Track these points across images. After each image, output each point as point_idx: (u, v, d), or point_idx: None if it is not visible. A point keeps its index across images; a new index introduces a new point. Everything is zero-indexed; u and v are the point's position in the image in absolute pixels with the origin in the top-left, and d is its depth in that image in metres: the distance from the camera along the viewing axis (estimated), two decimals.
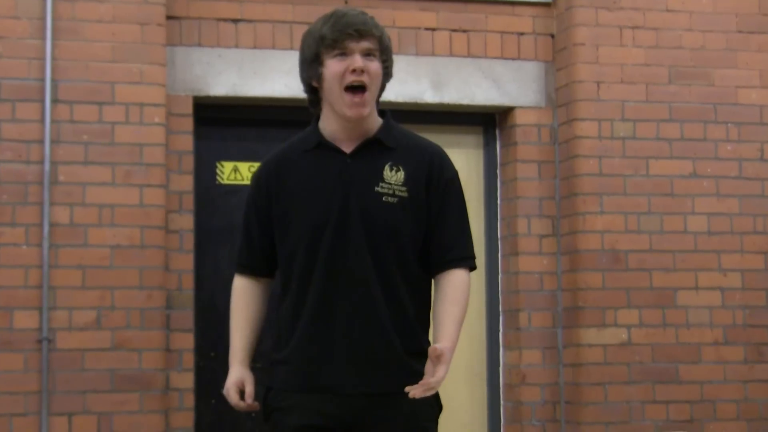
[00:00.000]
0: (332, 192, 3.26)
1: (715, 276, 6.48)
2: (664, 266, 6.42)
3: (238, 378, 3.36)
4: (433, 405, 3.39)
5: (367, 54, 3.26)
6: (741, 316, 6.49)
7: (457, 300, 3.28)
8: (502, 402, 6.58)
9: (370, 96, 3.27)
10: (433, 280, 3.36)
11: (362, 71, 3.24)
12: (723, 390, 6.42)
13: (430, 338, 3.35)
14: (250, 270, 3.45)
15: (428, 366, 3.13)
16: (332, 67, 3.25)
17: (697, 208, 6.49)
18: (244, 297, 3.43)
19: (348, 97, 3.25)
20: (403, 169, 3.30)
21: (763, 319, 6.52)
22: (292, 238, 3.30)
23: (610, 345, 6.31)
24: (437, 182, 3.32)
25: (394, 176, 3.28)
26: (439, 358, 3.10)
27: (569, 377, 6.39)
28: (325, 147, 3.34)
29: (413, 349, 3.32)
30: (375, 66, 3.27)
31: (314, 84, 3.34)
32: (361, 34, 3.24)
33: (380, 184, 3.27)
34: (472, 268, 3.36)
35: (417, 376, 3.24)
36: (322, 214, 3.26)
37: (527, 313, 6.44)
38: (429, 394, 3.12)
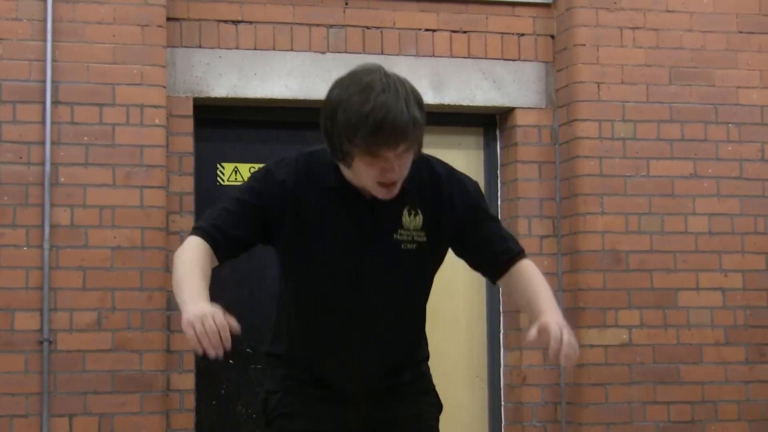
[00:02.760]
0: (351, 237, 3.12)
1: (716, 276, 6.48)
2: (665, 267, 6.41)
3: (214, 309, 2.94)
4: (436, 404, 3.40)
5: (402, 152, 2.98)
6: (742, 316, 6.49)
7: (541, 281, 3.23)
8: (503, 403, 6.57)
9: (400, 183, 3.06)
10: (499, 280, 3.31)
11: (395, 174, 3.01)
12: (724, 391, 6.42)
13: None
14: (216, 246, 3.13)
15: (552, 337, 2.99)
16: (362, 168, 2.99)
17: (698, 209, 6.49)
18: (203, 258, 3.09)
19: (379, 190, 3.03)
20: (422, 212, 3.16)
21: (764, 319, 6.51)
22: (308, 272, 3.16)
23: (611, 346, 6.31)
24: (465, 209, 3.20)
25: (412, 221, 3.16)
26: (546, 329, 3.00)
27: (570, 378, 6.39)
28: (346, 190, 3.12)
29: (417, 359, 3.36)
30: (407, 161, 3.01)
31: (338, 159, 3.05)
32: (399, 142, 2.94)
33: (399, 231, 3.15)
34: (525, 255, 3.32)
35: (423, 376, 3.32)
36: (340, 259, 3.13)
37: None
38: (573, 357, 3.00)
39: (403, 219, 3.14)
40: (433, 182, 3.18)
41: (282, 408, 3.24)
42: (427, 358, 3.40)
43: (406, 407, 3.28)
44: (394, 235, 3.14)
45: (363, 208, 3.11)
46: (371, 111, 2.89)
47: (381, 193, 3.03)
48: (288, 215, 3.12)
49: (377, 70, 2.97)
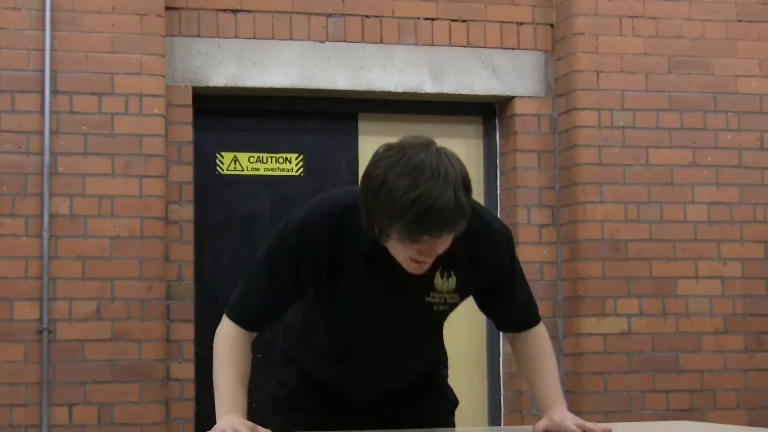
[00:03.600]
0: (382, 300, 3.01)
1: (715, 265, 6.48)
2: (664, 255, 6.42)
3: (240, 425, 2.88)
4: (450, 400, 3.42)
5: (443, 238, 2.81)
6: (741, 305, 6.49)
7: (548, 354, 3.22)
8: (502, 392, 6.58)
9: (432, 260, 2.87)
10: (506, 334, 3.29)
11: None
12: (723, 379, 6.43)
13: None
14: (255, 327, 3.05)
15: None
16: (397, 248, 2.82)
17: (697, 198, 6.49)
18: (239, 348, 3.04)
19: (411, 265, 2.85)
20: (455, 275, 3.01)
21: (763, 308, 6.52)
22: (336, 325, 3.09)
23: (610, 334, 6.32)
24: (500, 268, 3.09)
25: (445, 284, 3.01)
26: (565, 428, 3.06)
27: (569, 367, 6.40)
28: (378, 253, 2.91)
29: (434, 366, 3.38)
30: (446, 245, 2.82)
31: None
32: (443, 232, 2.75)
33: (431, 293, 3.02)
34: (540, 320, 3.28)
35: (436, 373, 3.35)
36: (370, 320, 3.04)
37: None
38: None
39: (436, 282, 3.01)
40: (467, 244, 2.96)
41: (293, 401, 3.23)
42: (444, 361, 3.42)
43: (419, 404, 3.29)
44: (426, 299, 3.02)
45: (395, 272, 2.93)
46: (418, 198, 2.67)
47: (412, 269, 2.86)
48: (319, 275, 2.98)
49: (428, 148, 2.75)
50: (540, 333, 3.22)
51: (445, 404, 3.39)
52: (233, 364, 3.02)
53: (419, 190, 2.67)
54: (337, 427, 3.19)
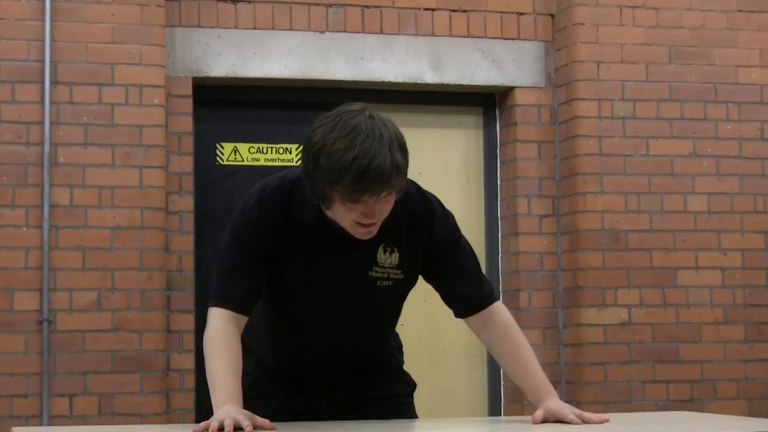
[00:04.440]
0: (327, 273, 3.08)
1: (716, 255, 6.48)
2: (665, 246, 6.42)
3: (235, 414, 2.90)
4: (408, 382, 3.43)
5: (383, 198, 2.91)
6: (741, 295, 6.49)
7: (524, 344, 3.24)
8: (502, 382, 6.59)
9: (379, 224, 2.97)
10: (465, 319, 3.30)
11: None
12: (723, 369, 6.43)
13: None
14: (241, 308, 3.10)
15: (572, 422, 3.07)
16: (342, 211, 2.93)
17: (697, 188, 6.49)
18: (229, 339, 3.09)
19: (357, 229, 2.96)
20: (398, 250, 3.10)
21: (763, 298, 6.52)
22: (283, 302, 3.16)
23: (610, 325, 6.32)
24: (436, 245, 3.15)
25: (388, 258, 3.11)
26: (563, 417, 3.07)
27: (569, 357, 6.40)
28: (324, 226, 3.04)
29: (387, 353, 3.39)
30: (389, 206, 2.94)
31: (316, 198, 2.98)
32: (382, 189, 2.87)
33: (374, 268, 3.11)
34: (497, 298, 3.29)
35: (392, 357, 3.36)
36: (315, 294, 3.11)
37: (527, 293, 6.45)
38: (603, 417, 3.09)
39: (378, 256, 3.10)
40: (409, 219, 3.11)
41: (255, 389, 3.25)
42: (398, 347, 3.43)
43: (376, 388, 3.31)
44: (370, 272, 3.10)
45: (339, 245, 3.05)
46: (355, 158, 2.81)
47: (359, 234, 2.97)
48: (275, 248, 3.08)
49: (362, 113, 2.89)
50: (502, 315, 3.24)
51: (403, 386, 3.40)
52: (224, 354, 3.07)
53: (356, 151, 2.81)
54: (299, 410, 3.23)
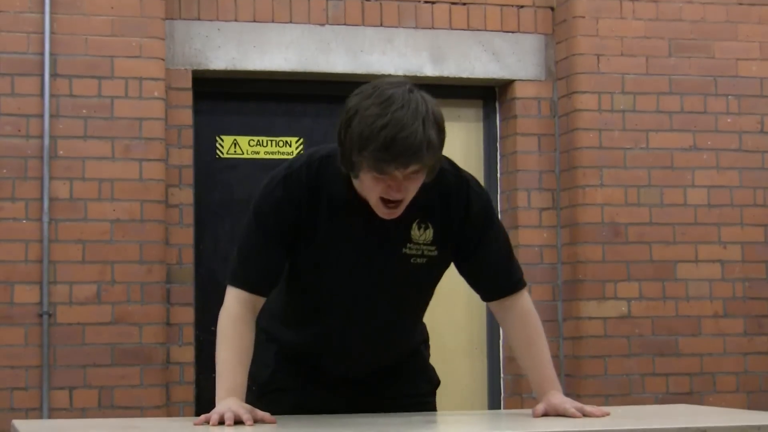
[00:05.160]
0: (360, 251, 3.03)
1: (715, 249, 6.48)
2: (664, 239, 6.42)
3: (235, 408, 2.90)
4: (431, 380, 3.40)
5: (411, 173, 2.86)
6: (741, 288, 6.50)
7: (539, 335, 3.21)
8: (502, 375, 6.59)
9: (405, 204, 2.93)
10: (490, 303, 3.28)
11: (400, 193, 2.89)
12: (723, 362, 6.44)
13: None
14: (259, 290, 3.07)
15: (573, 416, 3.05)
16: (368, 182, 2.88)
17: (697, 181, 6.49)
18: (242, 326, 3.04)
19: (381, 207, 2.91)
20: (432, 226, 3.05)
21: (762, 291, 6.52)
22: (314, 282, 3.10)
23: (609, 318, 6.32)
24: (469, 223, 3.10)
25: (422, 235, 3.05)
26: (564, 411, 3.06)
27: (569, 350, 6.40)
28: (356, 203, 2.98)
29: (414, 346, 3.36)
30: (416, 184, 2.89)
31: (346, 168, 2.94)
32: (410, 162, 2.81)
33: (408, 245, 3.03)
34: (525, 285, 3.26)
35: (418, 354, 3.33)
36: (348, 272, 3.05)
37: (527, 286, 6.44)
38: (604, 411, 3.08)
39: (413, 233, 3.04)
40: (443, 195, 3.05)
41: (273, 383, 3.23)
42: (425, 340, 3.40)
43: (400, 386, 3.29)
44: (403, 249, 3.05)
45: (372, 222, 2.98)
46: (385, 126, 2.77)
47: (383, 212, 2.92)
48: (301, 228, 3.02)
49: (402, 85, 2.86)
50: (524, 302, 3.22)
51: (426, 385, 3.38)
52: (234, 343, 3.03)
53: (387, 119, 2.78)
54: (317, 407, 3.19)
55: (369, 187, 2.88)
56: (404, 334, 3.26)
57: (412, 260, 3.06)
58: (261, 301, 3.07)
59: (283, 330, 3.25)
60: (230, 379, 2.98)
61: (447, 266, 3.18)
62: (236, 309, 3.04)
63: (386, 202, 2.90)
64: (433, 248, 3.07)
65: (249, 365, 3.03)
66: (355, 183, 2.96)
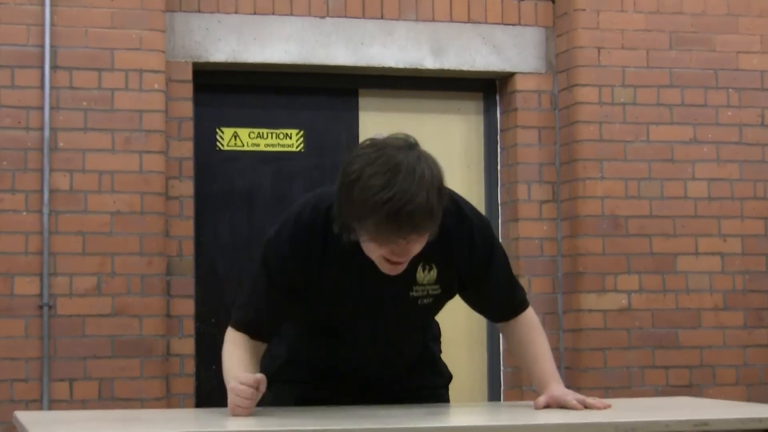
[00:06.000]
0: (366, 298, 3.03)
1: (715, 241, 6.49)
2: (664, 232, 6.42)
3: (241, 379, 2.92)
4: (443, 374, 3.43)
5: (414, 239, 2.81)
6: (741, 281, 6.50)
7: (539, 333, 3.22)
8: (502, 367, 6.60)
9: (407, 262, 2.89)
10: (497, 324, 3.32)
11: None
12: (722, 355, 6.44)
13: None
14: (260, 336, 3.09)
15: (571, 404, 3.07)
16: (369, 246, 2.84)
17: (698, 174, 6.49)
18: (244, 346, 3.06)
19: (385, 265, 2.88)
20: (435, 267, 3.03)
21: (762, 284, 6.52)
22: (322, 324, 3.12)
23: (609, 310, 6.33)
24: (474, 261, 3.08)
25: (426, 276, 3.02)
26: (566, 402, 3.08)
27: (569, 343, 6.41)
28: (361, 252, 2.91)
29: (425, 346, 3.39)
30: (419, 246, 2.84)
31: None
32: (413, 233, 2.76)
33: (414, 288, 3.03)
34: (528, 304, 3.27)
35: (428, 350, 3.35)
36: (355, 318, 3.06)
37: (527, 278, 6.45)
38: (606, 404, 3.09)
39: (417, 275, 3.03)
40: (445, 235, 2.96)
41: (283, 374, 3.24)
42: (436, 337, 3.43)
43: (410, 380, 3.31)
44: (410, 293, 3.04)
45: (377, 269, 2.93)
46: (390, 199, 2.68)
47: (387, 269, 2.88)
48: (309, 277, 3.01)
49: (409, 149, 2.76)
50: (528, 317, 3.24)
51: (438, 378, 3.40)
52: (238, 348, 3.05)
53: (392, 192, 2.68)
54: (327, 399, 3.21)
55: (370, 249, 2.85)
56: (411, 350, 3.29)
57: (419, 302, 3.08)
58: (262, 346, 3.11)
59: (294, 341, 3.27)
60: (240, 367, 2.99)
61: (450, 299, 3.19)
62: (239, 339, 3.08)
63: (388, 260, 2.87)
64: (437, 287, 3.08)
65: (270, 357, 3.09)
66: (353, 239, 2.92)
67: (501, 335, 6.51)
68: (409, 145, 2.77)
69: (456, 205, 3.05)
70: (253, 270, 3.09)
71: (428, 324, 3.29)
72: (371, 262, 2.92)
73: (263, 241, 3.07)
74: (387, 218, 2.70)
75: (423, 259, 2.98)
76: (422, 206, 2.70)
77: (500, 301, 3.21)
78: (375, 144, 2.79)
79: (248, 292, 3.10)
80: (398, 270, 2.89)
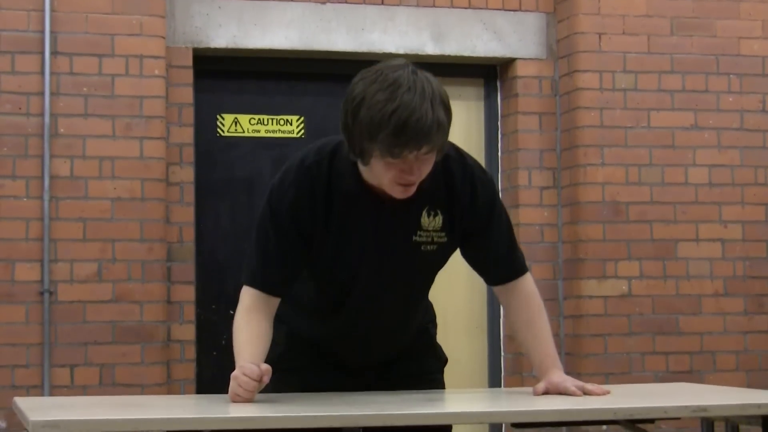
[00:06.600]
0: (370, 241, 3.05)
1: (716, 227, 6.48)
2: (665, 218, 6.42)
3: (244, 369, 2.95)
4: (440, 358, 3.43)
5: (423, 154, 2.86)
6: (741, 267, 6.50)
7: (540, 315, 3.23)
8: (502, 353, 6.60)
9: (418, 184, 2.94)
10: (494, 287, 3.32)
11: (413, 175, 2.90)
12: (723, 341, 6.45)
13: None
14: (274, 291, 3.09)
15: (571, 390, 3.08)
16: (381, 168, 2.88)
17: (698, 160, 6.49)
18: (255, 315, 3.06)
19: (396, 188, 2.92)
20: (441, 213, 3.07)
21: (763, 270, 6.53)
22: (325, 272, 3.12)
23: (610, 297, 6.33)
24: (476, 212, 3.11)
25: (432, 222, 3.07)
26: (565, 389, 3.08)
27: (569, 329, 6.41)
28: (365, 193, 3.01)
29: (421, 328, 3.39)
30: (428, 165, 2.90)
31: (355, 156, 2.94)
32: (422, 144, 2.82)
33: (418, 232, 3.06)
34: (527, 270, 3.29)
35: (425, 333, 3.36)
36: (359, 262, 3.07)
37: (528, 265, 6.44)
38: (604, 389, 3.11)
39: (422, 220, 3.06)
40: (449, 183, 3.06)
41: (284, 362, 3.24)
42: (432, 320, 3.43)
43: (408, 364, 3.31)
44: (414, 237, 3.07)
45: (382, 211, 3.01)
46: (395, 110, 2.77)
47: (397, 192, 2.92)
48: (315, 223, 3.04)
49: (404, 67, 2.86)
50: (527, 285, 3.25)
51: (435, 362, 3.41)
52: (251, 328, 3.05)
53: (396, 103, 2.78)
54: (327, 386, 3.22)
55: (381, 172, 2.89)
56: (414, 315, 3.29)
57: (422, 247, 3.09)
58: (277, 300, 3.11)
59: (294, 316, 3.27)
60: (246, 352, 3.00)
61: (454, 251, 3.20)
62: (252, 306, 3.08)
63: (400, 183, 2.91)
64: (442, 234, 3.10)
65: (265, 346, 3.06)
66: (364, 171, 2.98)
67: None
68: (404, 64, 2.89)
69: (459, 153, 3.13)
70: (260, 223, 3.09)
71: (430, 281, 3.27)
72: (376, 205, 2.99)
73: (268, 191, 3.08)
74: (395, 130, 2.77)
75: (428, 204, 3.05)
76: (427, 115, 2.79)
77: (500, 260, 3.21)
78: (372, 68, 2.91)
79: (256, 246, 3.09)
80: (409, 192, 2.93)
